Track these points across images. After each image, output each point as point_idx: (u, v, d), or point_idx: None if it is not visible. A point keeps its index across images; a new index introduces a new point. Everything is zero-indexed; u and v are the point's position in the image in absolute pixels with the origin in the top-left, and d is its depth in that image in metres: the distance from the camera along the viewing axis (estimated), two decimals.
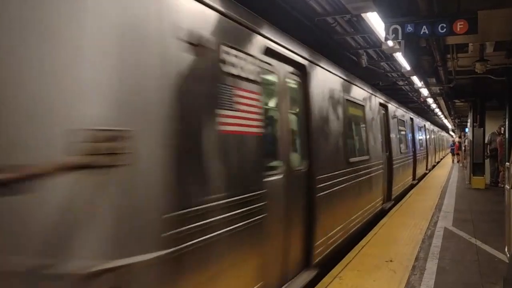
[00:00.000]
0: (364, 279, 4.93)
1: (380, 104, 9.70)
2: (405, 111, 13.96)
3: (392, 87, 15.07)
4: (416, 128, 16.14)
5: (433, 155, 23.99)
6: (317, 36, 7.56)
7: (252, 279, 3.51)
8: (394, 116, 11.34)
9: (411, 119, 15.14)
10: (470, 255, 5.93)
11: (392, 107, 11.15)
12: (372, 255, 5.89)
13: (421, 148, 17.26)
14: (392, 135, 10.66)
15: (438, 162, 28.46)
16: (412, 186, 13.95)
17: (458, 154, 28.93)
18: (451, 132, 49.96)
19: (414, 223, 8.00)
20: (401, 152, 11.82)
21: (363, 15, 6.00)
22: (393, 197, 10.34)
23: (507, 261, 5.04)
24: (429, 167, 20.68)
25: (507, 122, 11.87)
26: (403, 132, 12.89)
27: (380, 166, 8.93)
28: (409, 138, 14.34)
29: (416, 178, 15.11)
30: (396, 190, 10.84)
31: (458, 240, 6.82)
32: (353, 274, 5.10)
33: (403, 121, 13.08)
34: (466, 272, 5.21)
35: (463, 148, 23.91)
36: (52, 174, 1.98)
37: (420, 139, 17.37)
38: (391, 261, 5.60)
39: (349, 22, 7.77)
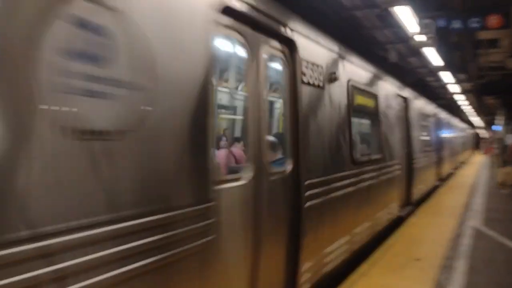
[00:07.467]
0: (391, 277, 4.87)
1: (400, 95, 8.60)
2: (429, 105, 12.88)
3: (419, 83, 14.80)
4: (441, 124, 15.23)
5: (460, 154, 23.25)
6: (346, 30, 7.47)
7: None
8: (417, 110, 10.34)
9: (436, 114, 14.21)
10: (502, 255, 5.78)
11: (414, 100, 10.03)
12: (399, 253, 5.80)
13: (446, 146, 16.35)
14: (413, 131, 9.63)
15: (463, 162, 27.53)
16: (435, 188, 12.88)
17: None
18: (478, 130, 48.81)
19: (442, 222, 7.84)
20: (423, 150, 10.81)
21: (391, 9, 5.92)
22: (413, 200, 9.34)
23: None
24: (455, 166, 19.90)
25: None
26: (426, 128, 11.83)
27: (397, 166, 7.88)
28: (433, 135, 13.24)
29: (441, 178, 14.19)
30: (417, 192, 9.79)
31: (488, 240, 6.65)
32: (380, 272, 5.05)
33: (427, 116, 12.08)
34: (498, 273, 5.08)
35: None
36: None
37: (445, 136, 16.45)
38: (419, 259, 5.51)
39: (378, 16, 7.66)
